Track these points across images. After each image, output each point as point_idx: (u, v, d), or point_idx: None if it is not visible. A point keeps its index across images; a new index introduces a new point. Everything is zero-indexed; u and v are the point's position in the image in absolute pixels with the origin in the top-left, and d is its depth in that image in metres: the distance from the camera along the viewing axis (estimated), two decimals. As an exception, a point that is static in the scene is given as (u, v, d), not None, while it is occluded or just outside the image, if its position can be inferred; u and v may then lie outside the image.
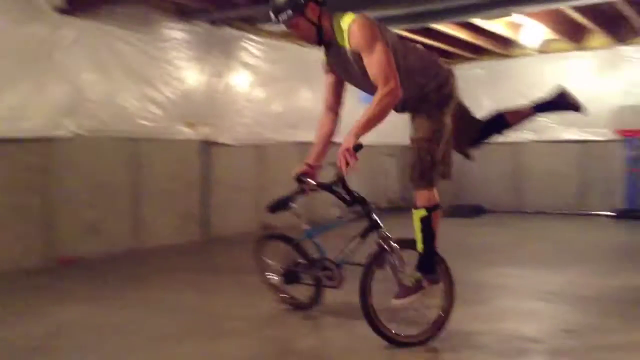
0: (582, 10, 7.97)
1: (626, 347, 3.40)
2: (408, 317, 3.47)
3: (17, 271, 5.57)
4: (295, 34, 3.41)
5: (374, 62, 3.11)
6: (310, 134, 9.72)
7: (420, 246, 3.35)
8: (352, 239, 3.69)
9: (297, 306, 4.14)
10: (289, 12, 3.24)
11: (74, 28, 6.18)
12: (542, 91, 10.67)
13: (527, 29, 9.16)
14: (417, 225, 3.33)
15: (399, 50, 3.26)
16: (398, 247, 3.43)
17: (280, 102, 8.83)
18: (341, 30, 3.23)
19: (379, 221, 3.55)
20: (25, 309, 4.30)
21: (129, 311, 4.25)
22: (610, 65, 9.71)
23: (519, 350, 3.32)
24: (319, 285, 3.93)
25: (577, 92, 10.45)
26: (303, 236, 3.94)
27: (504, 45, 10.18)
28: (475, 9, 7.06)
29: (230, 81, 8.02)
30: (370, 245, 3.52)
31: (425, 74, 3.35)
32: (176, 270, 5.85)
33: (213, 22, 7.65)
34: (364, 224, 3.62)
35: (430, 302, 3.48)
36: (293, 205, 3.93)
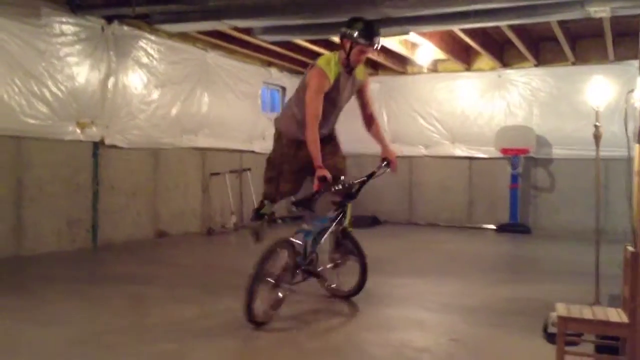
0: (471, 33, 8.44)
1: (511, 355, 3.60)
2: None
3: None
4: (363, 57, 4.28)
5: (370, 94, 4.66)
6: (210, 141, 9.67)
7: None
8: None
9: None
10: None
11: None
12: (433, 108, 11.25)
13: (421, 48, 9.56)
14: None
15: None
16: None
17: (179, 106, 8.60)
18: (360, 69, 4.42)
19: None
20: None
21: (5, 322, 3.93)
22: (495, 87, 10.36)
23: (408, 359, 3.42)
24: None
25: (466, 111, 11.19)
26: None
27: (400, 63, 10.58)
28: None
29: (124, 81, 7.69)
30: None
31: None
32: (59, 278, 5.50)
33: (108, 19, 7.32)
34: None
35: None
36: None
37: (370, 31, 4.14)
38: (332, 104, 4.29)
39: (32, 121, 6.50)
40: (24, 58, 6.40)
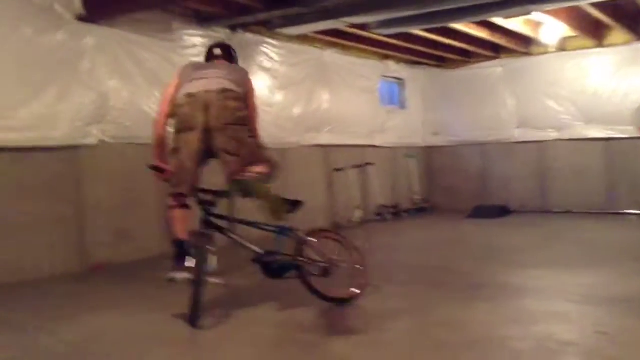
0: (602, 6, 7.86)
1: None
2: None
3: (50, 278, 5.65)
4: None
5: None
6: (332, 137, 9.84)
7: None
8: None
9: None
10: None
11: (96, 36, 6.26)
12: (563, 88, 10.62)
13: (546, 26, 9.07)
14: None
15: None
16: None
17: (301, 106, 8.84)
18: None
19: None
20: (59, 314, 4.34)
21: (157, 315, 4.26)
22: (631, 62, 9.56)
23: (554, 353, 3.28)
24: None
25: (598, 89, 10.44)
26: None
27: (524, 44, 10.09)
28: (495, 8, 7.00)
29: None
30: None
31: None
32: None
33: (232, 28, 7.69)
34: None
35: None
36: None
37: None
38: None
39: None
40: (161, 72, 6.87)
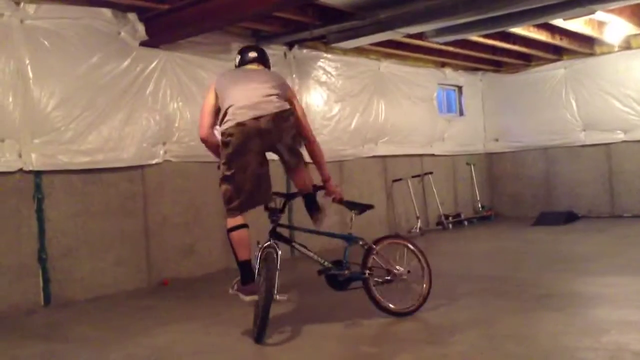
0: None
1: None
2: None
3: (120, 294, 5.90)
4: None
5: None
6: (390, 148, 9.83)
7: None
8: None
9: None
10: None
11: (158, 59, 6.51)
12: (629, 88, 10.21)
13: (609, 25, 8.77)
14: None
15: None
16: None
17: (358, 118, 8.88)
18: None
19: None
20: (134, 329, 4.52)
21: (224, 328, 4.36)
22: None
23: (628, 365, 3.17)
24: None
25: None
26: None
27: (586, 44, 9.78)
28: (554, 10, 6.85)
29: (308, 100, 8.15)
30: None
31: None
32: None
33: (289, 44, 7.83)
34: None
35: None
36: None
37: None
38: None
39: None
40: (221, 91, 7.08)
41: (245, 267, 3.98)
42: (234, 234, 4.02)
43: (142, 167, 6.37)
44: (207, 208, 6.93)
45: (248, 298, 3.91)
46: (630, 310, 4.22)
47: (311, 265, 4.43)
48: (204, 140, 4.20)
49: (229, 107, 4.00)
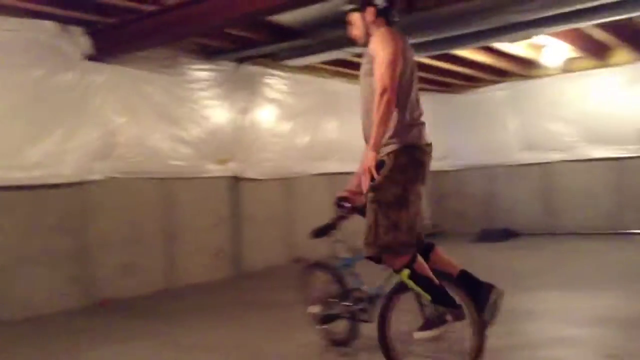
0: (604, 27, 7.92)
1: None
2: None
3: (57, 313, 5.69)
4: (348, 30, 3.55)
5: (379, 69, 3.12)
6: (338, 165, 9.89)
7: (427, 296, 3.15)
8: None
9: (336, 342, 4.02)
10: (353, 5, 3.43)
11: (103, 74, 6.38)
12: (567, 110, 10.60)
13: (549, 49, 9.12)
14: (411, 284, 3.14)
15: (407, 73, 3.25)
16: None
17: (307, 135, 8.93)
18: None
19: None
20: (64, 351, 4.37)
21: (167, 351, 4.28)
22: (636, 81, 9.58)
23: (562, 379, 3.26)
24: (354, 319, 3.85)
25: (603, 109, 10.40)
26: (341, 264, 3.89)
27: (527, 67, 10.14)
28: (497, 33, 7.07)
29: (255, 117, 8.16)
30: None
31: (413, 115, 3.28)
32: (210, 307, 5.88)
33: (237, 60, 7.82)
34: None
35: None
36: (334, 231, 3.96)
37: None
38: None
39: (177, 163, 7.09)
40: (167, 105, 7.02)
41: (444, 293, 3.17)
42: (421, 262, 3.18)
43: (82, 183, 6.20)
44: (149, 226, 6.82)
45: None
46: (565, 325, 4.35)
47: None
48: (392, 101, 3.10)
49: (416, 109, 3.30)
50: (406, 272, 3.10)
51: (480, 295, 3.21)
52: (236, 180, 7.84)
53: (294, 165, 8.65)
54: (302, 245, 8.73)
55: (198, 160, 7.34)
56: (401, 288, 3.28)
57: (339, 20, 6.48)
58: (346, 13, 3.49)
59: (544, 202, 10.44)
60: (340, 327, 3.95)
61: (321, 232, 4.01)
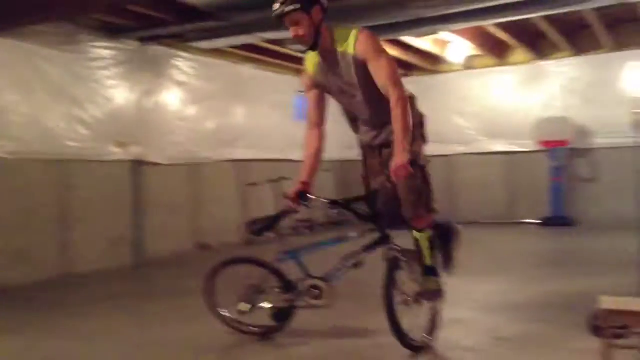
0: (504, 27, 8.33)
1: (557, 350, 3.54)
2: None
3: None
4: (292, 31, 3.32)
5: (385, 69, 3.28)
6: (247, 152, 9.80)
7: (429, 260, 3.57)
8: (352, 255, 3.72)
9: (261, 334, 3.92)
10: (297, 5, 3.21)
11: (-5, 47, 5.96)
12: (469, 105, 11.10)
13: (453, 45, 9.48)
14: (424, 245, 3.56)
15: None
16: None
17: (214, 120, 8.77)
18: (345, 39, 3.32)
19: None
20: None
21: (61, 342, 4.08)
22: (532, 79, 10.20)
23: (453, 360, 3.41)
24: (291, 310, 3.81)
25: (501, 106, 10.99)
26: (284, 258, 3.83)
27: (433, 62, 10.51)
28: (404, 27, 7.25)
29: (161, 99, 7.90)
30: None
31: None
32: (104, 295, 5.65)
33: (142, 40, 7.53)
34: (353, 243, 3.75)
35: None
36: (277, 226, 3.93)
37: None
38: (337, 96, 3.66)
39: (74, 144, 6.74)
40: (64, 84, 6.65)
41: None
42: None
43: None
44: (43, 210, 6.45)
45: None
46: (461, 309, 4.54)
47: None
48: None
49: None
50: (429, 232, 3.55)
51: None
52: (139, 165, 7.57)
53: (200, 150, 8.48)
54: (209, 232, 8.63)
55: (98, 143, 7.01)
56: (397, 265, 3.60)
57: (248, 5, 6.45)
58: (285, 14, 3.24)
59: (446, 192, 10.85)
60: (259, 317, 3.89)
61: (265, 228, 4.00)
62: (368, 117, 3.62)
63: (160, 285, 6.20)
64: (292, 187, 3.64)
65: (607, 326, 2.81)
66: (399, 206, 3.48)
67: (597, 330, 3.20)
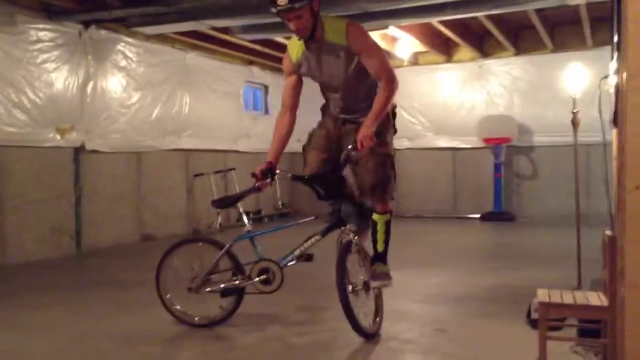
0: (450, 25, 8.48)
1: (496, 342, 3.63)
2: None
3: None
4: (294, 24, 3.37)
5: (378, 60, 3.46)
6: (192, 142, 9.64)
7: (381, 246, 3.72)
8: (307, 239, 3.82)
9: (206, 323, 3.90)
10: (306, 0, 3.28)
11: None
12: (415, 101, 11.24)
13: (400, 41, 9.58)
14: (381, 228, 3.70)
15: None
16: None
17: (159, 108, 8.56)
18: (335, 29, 3.45)
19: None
20: None
21: (-10, 334, 3.91)
22: (476, 77, 10.43)
23: (394, 352, 3.46)
24: (240, 294, 3.84)
25: (447, 102, 11.21)
26: (238, 238, 3.93)
27: (381, 56, 10.56)
28: (356, 20, 7.26)
29: (104, 85, 7.66)
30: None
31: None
32: (43, 286, 5.45)
33: (84, 24, 7.27)
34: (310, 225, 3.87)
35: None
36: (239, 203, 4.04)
37: None
38: (321, 83, 3.79)
39: (10, 129, 6.46)
40: (2, 67, 6.36)
41: None
42: None
43: None
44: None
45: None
46: (403, 301, 4.60)
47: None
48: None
49: None
50: (389, 216, 3.68)
51: None
52: (79, 152, 7.32)
53: (144, 139, 8.27)
54: (153, 222, 8.45)
55: (36, 128, 6.75)
56: (349, 249, 3.66)
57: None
58: (295, 9, 3.26)
59: (391, 186, 11.01)
60: (208, 306, 3.88)
61: (228, 201, 4.12)
62: (343, 104, 3.73)
63: (102, 276, 6.02)
64: (259, 166, 3.73)
65: (543, 318, 2.89)
66: (344, 186, 3.70)
67: (534, 322, 3.31)
